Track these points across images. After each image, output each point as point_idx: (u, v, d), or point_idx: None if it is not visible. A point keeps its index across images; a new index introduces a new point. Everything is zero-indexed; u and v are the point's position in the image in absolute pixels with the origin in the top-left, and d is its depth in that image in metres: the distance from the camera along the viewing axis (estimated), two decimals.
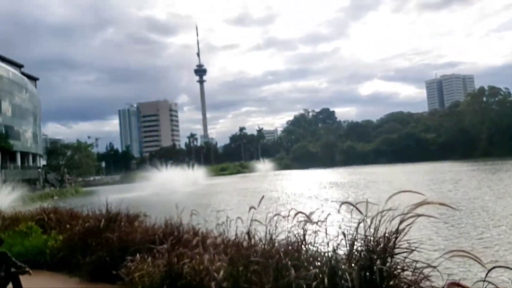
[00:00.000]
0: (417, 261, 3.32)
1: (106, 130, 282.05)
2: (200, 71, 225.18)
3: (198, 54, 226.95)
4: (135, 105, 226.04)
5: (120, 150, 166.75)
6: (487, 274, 2.90)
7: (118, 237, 7.25)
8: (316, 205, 4.31)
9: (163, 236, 6.48)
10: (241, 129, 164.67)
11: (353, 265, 3.14)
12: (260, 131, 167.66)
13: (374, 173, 58.67)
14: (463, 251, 3.53)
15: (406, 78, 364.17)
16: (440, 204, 3.63)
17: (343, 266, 3.15)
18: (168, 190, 40.67)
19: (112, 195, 15.04)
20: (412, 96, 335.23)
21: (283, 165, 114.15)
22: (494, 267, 2.98)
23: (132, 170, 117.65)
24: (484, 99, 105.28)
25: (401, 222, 3.27)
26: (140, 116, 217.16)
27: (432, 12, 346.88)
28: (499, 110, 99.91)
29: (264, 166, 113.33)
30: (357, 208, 3.62)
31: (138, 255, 6.08)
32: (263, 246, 4.53)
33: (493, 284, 2.96)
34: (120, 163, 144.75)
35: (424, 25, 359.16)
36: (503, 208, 19.47)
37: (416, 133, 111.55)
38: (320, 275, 3.00)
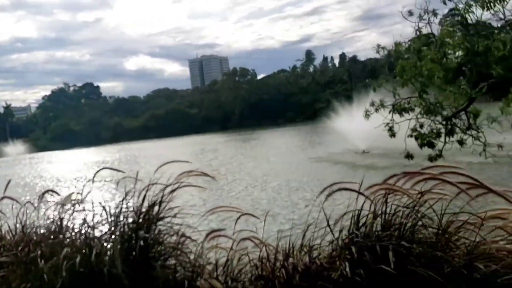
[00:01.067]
0: (181, 225, 3.46)
1: None
2: None
3: None
4: None
5: None
6: (237, 220, 3.34)
7: None
8: (80, 187, 3.92)
9: None
10: None
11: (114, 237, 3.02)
12: (7, 107, 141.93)
13: (143, 148, 58.95)
14: (222, 206, 3.91)
15: (171, 56, 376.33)
16: (203, 174, 3.85)
17: (104, 243, 2.99)
18: None
19: None
20: (177, 74, 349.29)
21: (41, 147, 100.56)
22: (242, 214, 3.41)
23: None
24: (237, 78, 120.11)
25: (164, 190, 3.32)
26: None
27: None
28: (248, 88, 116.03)
29: (15, 149, 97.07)
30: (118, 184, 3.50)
31: None
32: (13, 240, 3.84)
33: (248, 230, 3.42)
34: None
35: (186, 5, 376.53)
36: (254, 169, 23.06)
37: (181, 108, 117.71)
38: (78, 255, 2.74)
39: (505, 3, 7.18)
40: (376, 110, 12.21)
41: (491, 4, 7.10)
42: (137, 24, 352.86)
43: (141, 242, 3.05)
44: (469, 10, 7.97)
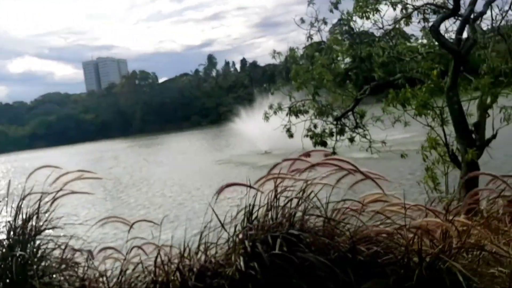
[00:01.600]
0: (68, 237, 3.17)
1: None
2: None
3: None
4: None
5: None
6: (130, 228, 3.16)
7: None
8: None
9: None
10: None
11: None
12: None
13: (31, 158, 53.40)
14: (113, 216, 3.66)
15: (62, 57, 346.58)
16: (89, 177, 3.59)
17: None
18: None
19: None
20: (69, 77, 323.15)
21: None
22: (135, 222, 3.25)
23: None
24: (137, 81, 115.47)
25: (40, 201, 3.01)
26: None
27: None
28: (149, 92, 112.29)
29: None
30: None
31: None
32: None
33: (140, 238, 3.25)
34: None
35: (78, 5, 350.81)
36: (159, 174, 22.32)
37: (75, 114, 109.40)
38: None
39: (381, 13, 7.96)
40: (275, 112, 12.72)
41: (368, 14, 7.84)
42: (22, 24, 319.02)
43: (19, 261, 2.72)
44: (352, 19, 8.71)
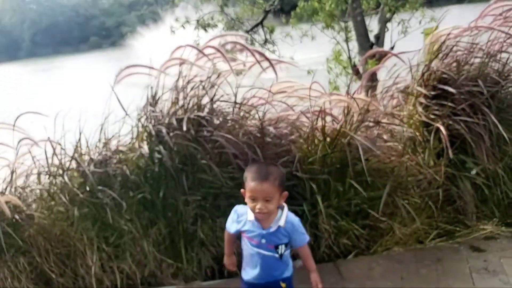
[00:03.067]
0: None
1: None
2: None
3: None
4: None
5: None
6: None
7: None
8: None
9: None
10: None
11: None
12: None
13: None
14: None
15: None
16: None
17: None
18: None
19: None
20: None
21: None
22: (21, 114, 2.88)
23: None
24: None
25: None
26: None
27: None
28: (38, 10, 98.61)
29: None
30: None
31: None
32: None
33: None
34: None
35: None
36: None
37: None
38: None
39: None
40: (182, 26, 12.01)
41: None
42: None
43: None
44: None
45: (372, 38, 9.72)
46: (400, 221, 2.91)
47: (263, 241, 1.92)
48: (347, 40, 9.78)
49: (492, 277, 2.56)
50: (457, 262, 2.74)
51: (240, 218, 1.99)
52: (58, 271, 2.81)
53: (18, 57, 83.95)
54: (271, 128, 2.75)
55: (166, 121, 2.48)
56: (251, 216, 1.92)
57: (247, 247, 1.98)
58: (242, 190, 1.93)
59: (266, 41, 12.03)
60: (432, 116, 2.96)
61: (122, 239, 2.81)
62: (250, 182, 1.86)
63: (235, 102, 2.83)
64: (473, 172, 2.98)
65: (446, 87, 2.89)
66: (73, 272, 2.83)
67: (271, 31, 11.82)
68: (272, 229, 1.91)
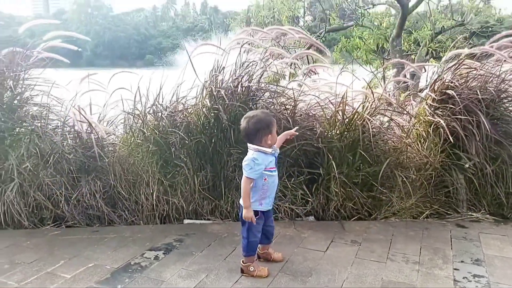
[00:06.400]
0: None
1: None
2: None
3: None
4: None
5: None
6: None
7: None
8: None
9: None
10: None
11: None
12: None
13: None
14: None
15: None
16: None
17: None
18: None
19: None
20: None
21: None
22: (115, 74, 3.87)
23: None
24: (89, 10, 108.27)
25: None
26: None
27: None
28: (103, 24, 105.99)
29: None
30: None
31: None
32: None
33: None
34: None
35: None
36: None
37: (20, 37, 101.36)
38: None
39: None
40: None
41: None
42: None
43: None
44: None
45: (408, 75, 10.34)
46: (398, 196, 3.55)
47: (274, 163, 2.49)
48: (384, 77, 10.45)
49: (468, 243, 3.13)
50: (441, 232, 3.33)
51: (262, 160, 2.42)
52: (125, 195, 3.65)
53: (79, 65, 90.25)
54: (302, 105, 3.53)
55: (225, 85, 3.32)
56: (268, 150, 2.47)
57: (267, 180, 2.48)
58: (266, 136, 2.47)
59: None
60: (436, 117, 3.63)
61: (176, 178, 3.62)
62: (272, 124, 2.50)
63: (277, 85, 3.64)
64: (467, 165, 3.59)
65: (449, 91, 3.56)
66: (136, 198, 3.65)
67: (315, 62, 12.70)
68: (277, 151, 2.54)
